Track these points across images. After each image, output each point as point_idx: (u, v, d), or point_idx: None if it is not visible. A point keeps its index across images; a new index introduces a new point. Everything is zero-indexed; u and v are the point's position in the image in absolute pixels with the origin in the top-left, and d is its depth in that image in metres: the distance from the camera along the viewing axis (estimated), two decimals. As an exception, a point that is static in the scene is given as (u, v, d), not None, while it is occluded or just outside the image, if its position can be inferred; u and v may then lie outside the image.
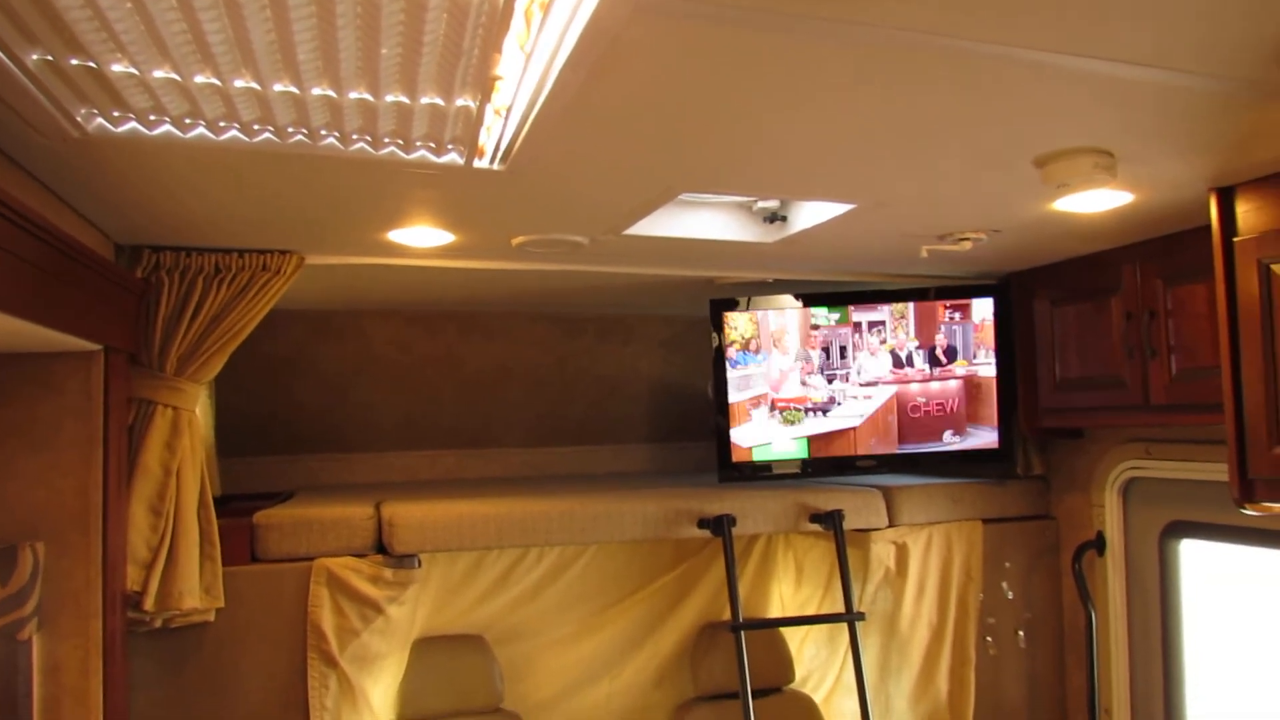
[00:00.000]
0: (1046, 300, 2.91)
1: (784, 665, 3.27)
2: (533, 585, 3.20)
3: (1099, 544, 2.97)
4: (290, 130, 1.62)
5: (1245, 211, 2.04)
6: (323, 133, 1.63)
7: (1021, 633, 3.12)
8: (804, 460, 3.06)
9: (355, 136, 1.66)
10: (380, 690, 2.68)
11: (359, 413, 3.62)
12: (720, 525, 2.78)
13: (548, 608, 3.23)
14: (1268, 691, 2.60)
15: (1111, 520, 2.94)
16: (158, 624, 2.29)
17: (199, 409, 2.74)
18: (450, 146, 1.72)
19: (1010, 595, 3.11)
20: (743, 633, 2.77)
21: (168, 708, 2.36)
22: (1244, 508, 2.09)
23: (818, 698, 3.39)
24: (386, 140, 1.68)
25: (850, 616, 2.83)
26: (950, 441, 3.05)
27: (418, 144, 1.70)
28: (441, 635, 3.11)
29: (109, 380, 2.15)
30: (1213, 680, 2.74)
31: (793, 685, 3.33)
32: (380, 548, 2.57)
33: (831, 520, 2.88)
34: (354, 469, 3.62)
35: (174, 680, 2.36)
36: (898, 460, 3.07)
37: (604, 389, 3.90)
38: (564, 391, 3.85)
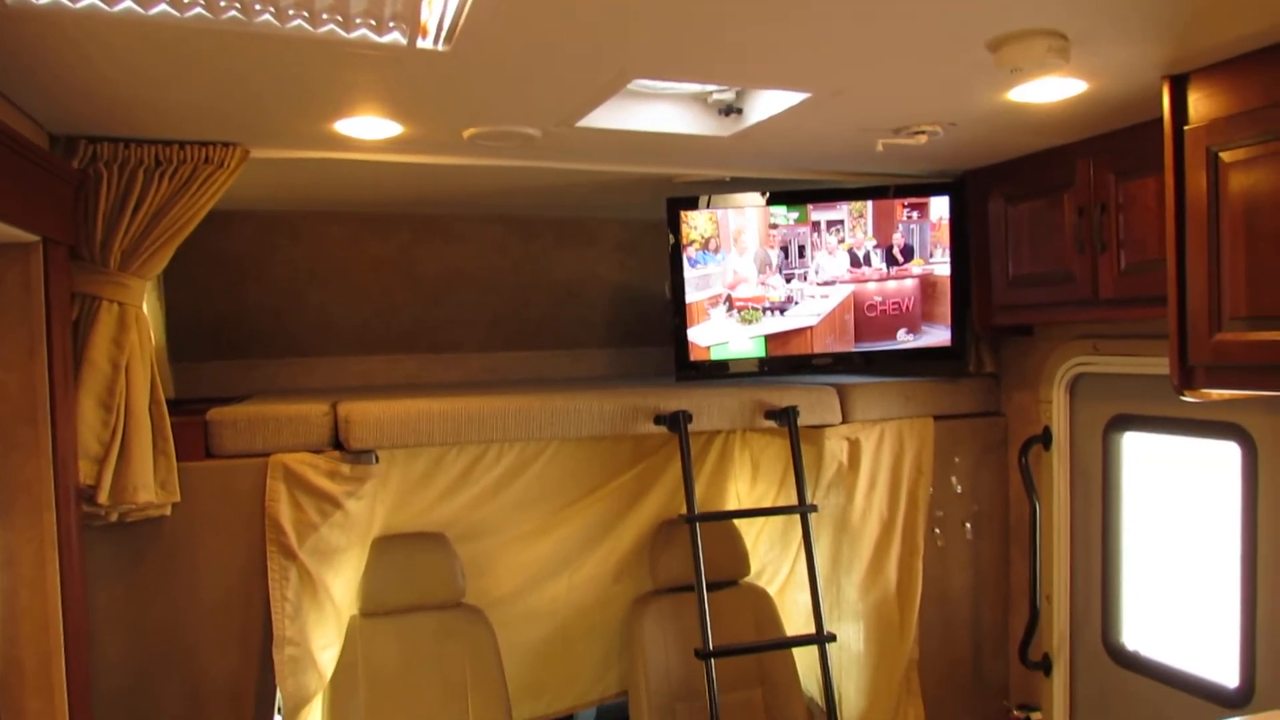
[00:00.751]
0: (1001, 198, 2.92)
1: (739, 559, 3.36)
2: (493, 484, 3.23)
3: (1045, 438, 3.05)
4: (223, 4, 1.56)
5: (1197, 100, 2.05)
6: (257, 8, 1.58)
7: (969, 525, 3.22)
8: (761, 359, 3.09)
9: (291, 13, 1.60)
10: (341, 583, 2.72)
11: (314, 316, 3.58)
12: (676, 421, 2.82)
13: (508, 506, 3.27)
14: (1193, 564, 2.72)
15: (1058, 415, 3.01)
16: (113, 518, 2.29)
17: (148, 310, 2.70)
18: (392, 24, 1.67)
19: (959, 489, 3.20)
20: (697, 525, 2.83)
21: (127, 600, 2.38)
22: (1183, 394, 2.15)
23: (772, 590, 3.51)
24: (325, 17, 1.63)
25: (802, 508, 2.90)
26: (904, 340, 3.09)
27: (357, 21, 1.65)
28: (402, 533, 3.16)
29: (49, 273, 2.10)
30: (1147, 560, 2.86)
31: (748, 579, 3.43)
32: (337, 444, 2.57)
33: (786, 416, 2.92)
34: (311, 374, 3.60)
35: (132, 573, 2.38)
36: (853, 359, 3.11)
37: (562, 293, 3.88)
38: (521, 295, 3.83)
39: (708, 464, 3.52)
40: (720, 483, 3.54)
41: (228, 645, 2.47)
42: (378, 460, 2.66)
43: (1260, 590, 2.45)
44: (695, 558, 2.80)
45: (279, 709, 2.68)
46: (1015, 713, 3.17)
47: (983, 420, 3.25)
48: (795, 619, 3.44)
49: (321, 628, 2.64)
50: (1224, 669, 2.58)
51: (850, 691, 3.23)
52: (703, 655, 2.75)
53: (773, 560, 3.55)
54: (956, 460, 3.20)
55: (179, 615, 2.43)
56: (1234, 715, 2.41)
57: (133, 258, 2.30)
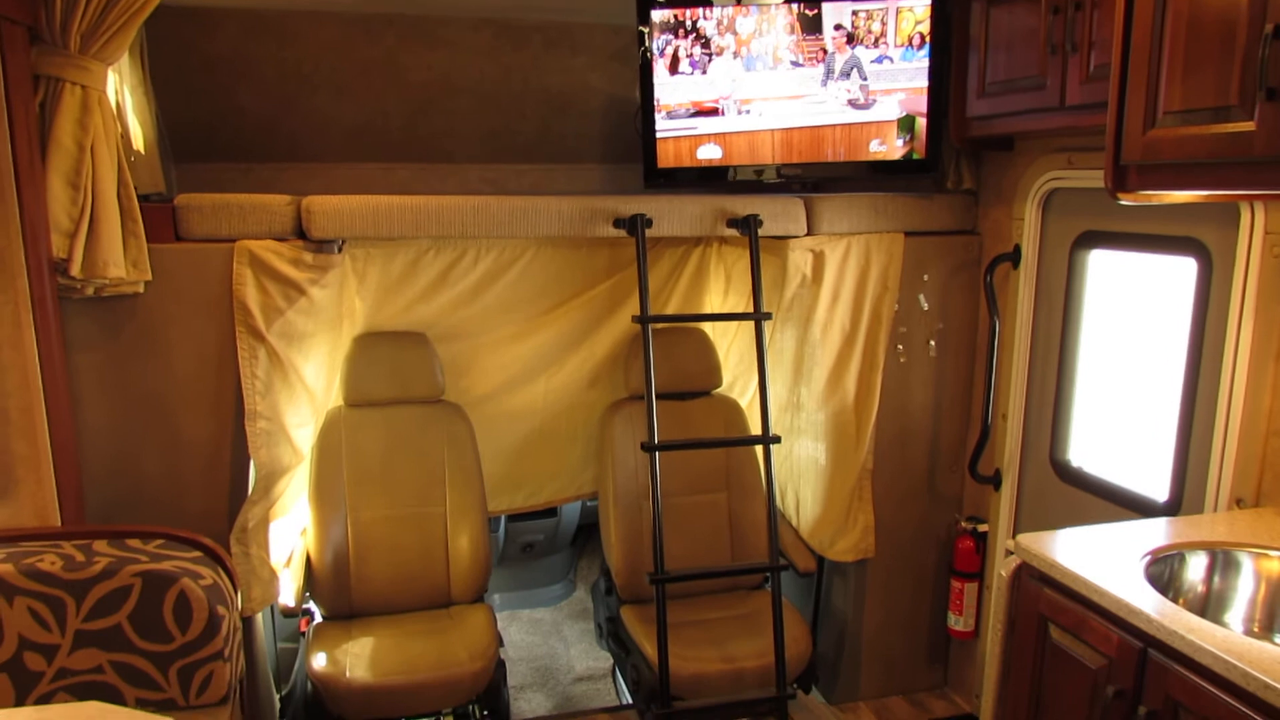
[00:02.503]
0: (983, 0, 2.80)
1: (711, 371, 3.46)
2: (471, 287, 3.35)
3: (1015, 256, 3.03)
4: None
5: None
6: None
7: (933, 343, 3.25)
8: (730, 167, 3.09)
9: None
10: (312, 368, 2.89)
11: (308, 121, 3.63)
12: (634, 225, 2.86)
13: (487, 309, 3.39)
14: (1140, 385, 2.74)
15: (1029, 232, 2.98)
16: (90, 291, 2.46)
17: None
18: None
19: (926, 307, 3.22)
20: (649, 326, 2.91)
21: (108, 369, 2.58)
22: (1118, 198, 2.11)
23: (743, 402, 3.62)
24: None
25: (756, 315, 2.96)
26: (877, 152, 3.04)
27: None
28: (384, 331, 3.32)
29: (5, 51, 2.19)
30: (1098, 380, 2.88)
31: (720, 390, 3.54)
32: (302, 234, 2.68)
33: (747, 225, 2.94)
34: (307, 180, 3.69)
35: (112, 344, 2.57)
36: (824, 169, 3.08)
37: (555, 105, 3.85)
38: (514, 106, 3.81)
39: (684, 277, 3.58)
40: (696, 296, 3.60)
41: (203, 415, 2.68)
42: (341, 250, 2.78)
43: (1197, 407, 2.47)
44: (645, 357, 2.90)
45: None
46: (963, 524, 3.29)
47: (957, 238, 3.23)
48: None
49: (294, 406, 2.83)
50: (1156, 484, 2.64)
51: (807, 497, 3.38)
52: (648, 448, 2.89)
53: (743, 373, 3.65)
54: (926, 278, 3.20)
55: (157, 385, 2.63)
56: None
57: (93, 39, 2.36)
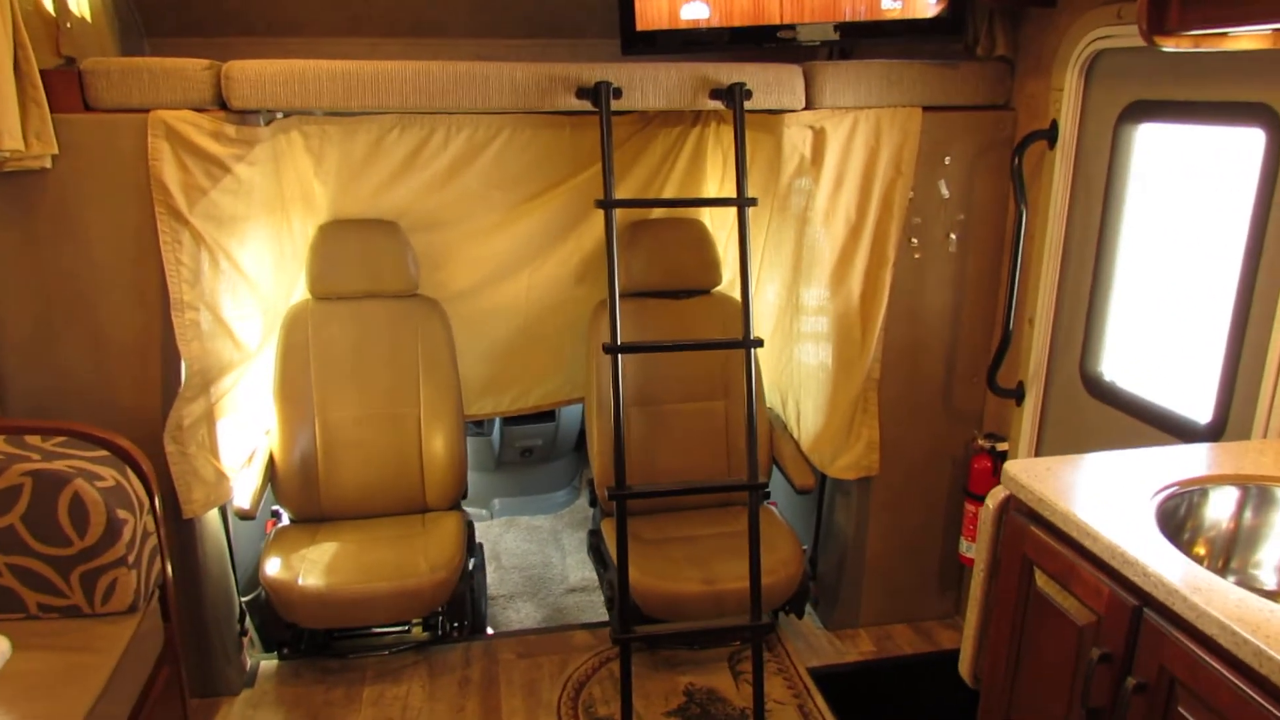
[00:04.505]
0: None
1: (710, 267, 3.13)
2: (443, 171, 3.05)
3: (1051, 134, 2.58)
4: None
5: None
6: None
7: (953, 236, 2.85)
8: (721, 29, 2.68)
9: None
10: (250, 255, 2.65)
11: (286, -10, 3.33)
12: (599, 95, 2.51)
13: (462, 196, 3.10)
14: (1186, 291, 2.31)
15: (1069, 104, 2.52)
16: (-12, 166, 2.24)
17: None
18: None
19: (946, 194, 2.80)
20: (614, 212, 2.58)
21: (21, 249, 2.38)
22: (1154, 42, 1.69)
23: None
24: None
25: (739, 201, 2.60)
26: (891, 9, 2.60)
27: None
28: (351, 219, 3.06)
29: None
30: (1139, 282, 2.46)
31: (720, 288, 3.21)
32: (223, 104, 2.41)
33: (732, 96, 2.56)
34: (288, 56, 3.40)
35: (22, 224, 2.36)
36: (829, 30, 2.65)
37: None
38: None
39: (680, 161, 3.21)
40: (694, 182, 3.24)
41: (127, 305, 2.47)
42: (265, 123, 2.50)
43: (1253, 315, 2.06)
44: (609, 248, 2.58)
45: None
46: (980, 441, 2.93)
47: (986, 114, 2.78)
48: (763, 328, 3.23)
49: (232, 296, 2.61)
50: (1199, 405, 2.24)
51: (808, 408, 3.06)
52: (609, 350, 2.59)
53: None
54: (947, 160, 2.78)
55: (75, 271, 2.42)
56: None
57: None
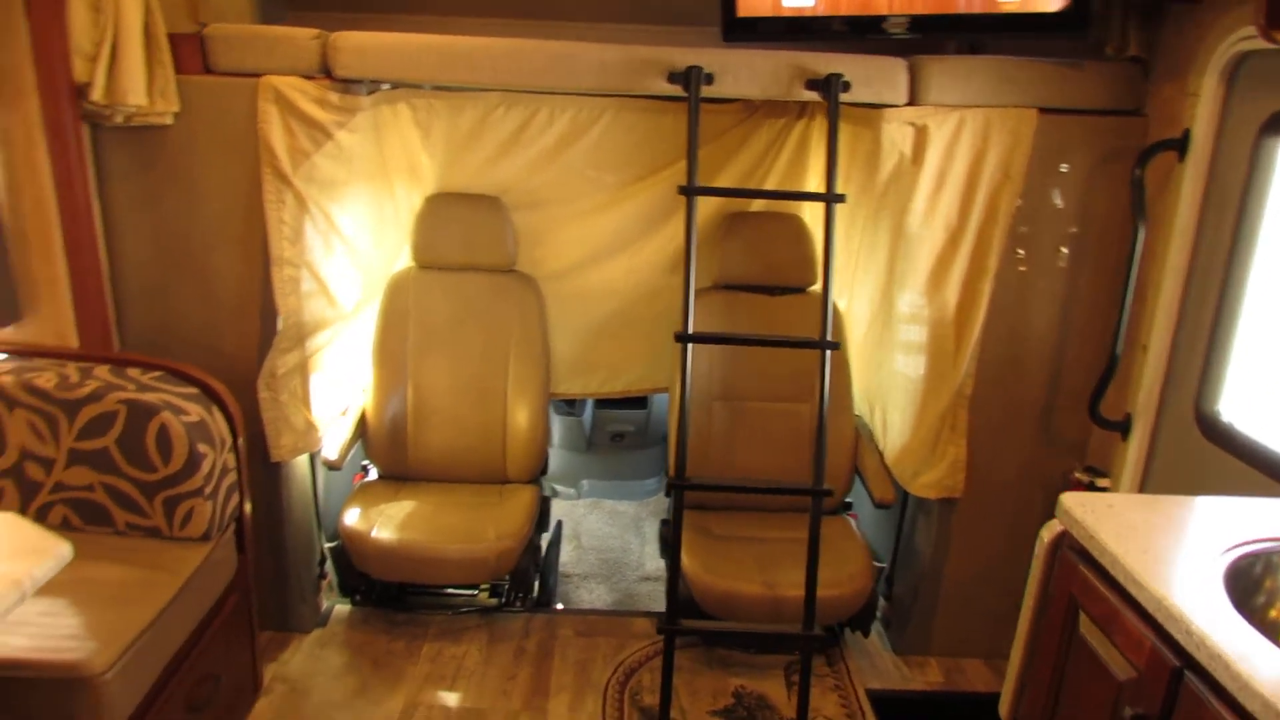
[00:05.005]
0: None
1: (806, 264, 3.05)
2: (547, 150, 3.09)
3: (1181, 144, 2.37)
4: None
5: None
6: None
7: (1065, 250, 2.66)
8: (826, 18, 2.59)
9: None
10: (350, 219, 2.78)
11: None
12: (689, 80, 2.48)
13: (564, 176, 3.14)
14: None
15: (1205, 112, 2.30)
16: (119, 120, 2.43)
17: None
18: None
19: (1060, 205, 2.62)
20: (695, 200, 2.55)
21: (143, 200, 2.58)
22: (1273, 36, 1.52)
23: (843, 304, 3.18)
24: None
25: (827, 197, 2.51)
26: (1007, 2, 2.44)
27: None
28: (456, 192, 3.15)
29: None
30: (1272, 313, 2.22)
31: (816, 288, 3.12)
32: (329, 73, 2.53)
33: (828, 87, 2.47)
34: (417, 31, 3.53)
35: (144, 175, 2.56)
36: (943, 24, 2.52)
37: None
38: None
39: (785, 153, 3.13)
40: (796, 175, 3.15)
41: (233, 257, 2.64)
42: (368, 93, 2.60)
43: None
44: (688, 232, 2.55)
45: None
46: (1078, 474, 2.72)
47: (1111, 120, 2.57)
48: (855, 333, 3.13)
49: (329, 257, 2.74)
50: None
51: (895, 421, 2.93)
52: (681, 338, 2.56)
53: (843, 270, 3.18)
54: (1064, 169, 2.59)
55: (188, 222, 2.60)
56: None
57: None
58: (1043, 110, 2.52)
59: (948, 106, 2.52)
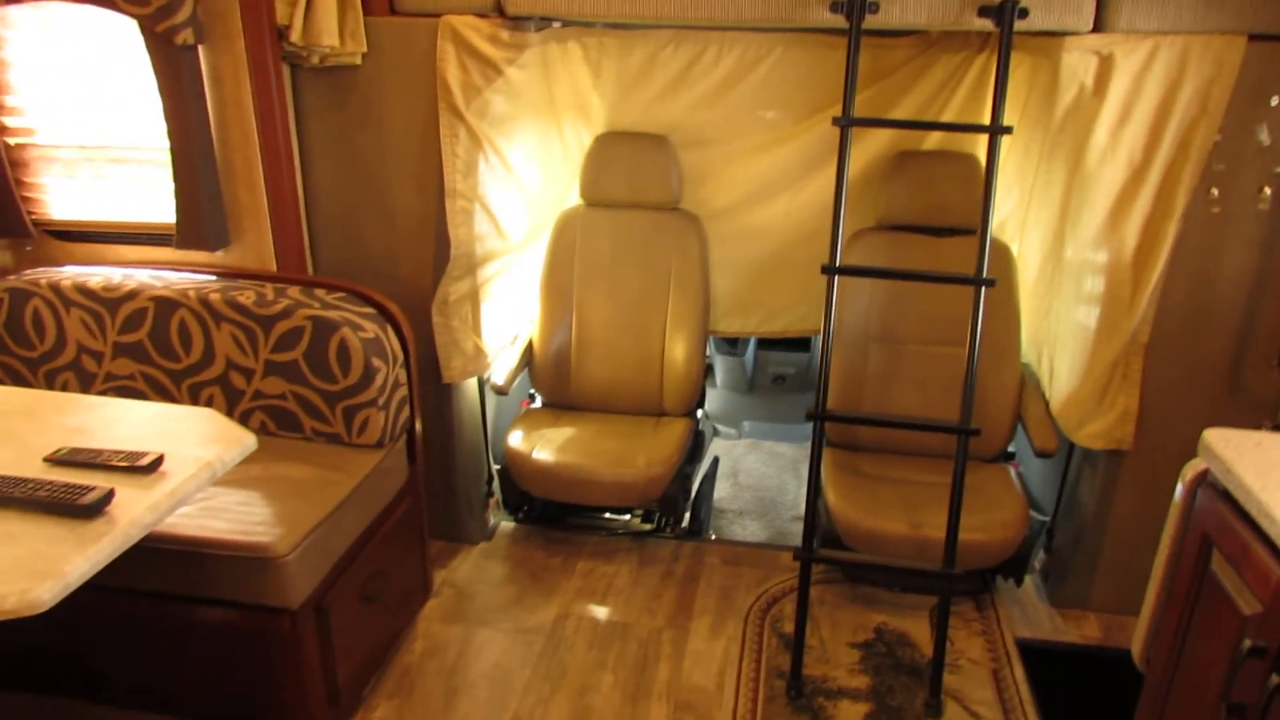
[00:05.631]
0: None
1: (977, 205, 2.92)
2: (714, 87, 3.11)
3: None
4: None
5: None
6: None
7: (1268, 191, 2.42)
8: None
9: None
10: (520, 153, 2.91)
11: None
12: (851, 7, 2.42)
13: (730, 114, 3.15)
14: None
15: None
16: (315, 60, 2.65)
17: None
18: None
19: (1266, 142, 2.39)
20: (850, 131, 2.50)
21: (334, 136, 2.80)
22: None
23: (1015, 248, 3.05)
24: None
25: (991, 128, 2.40)
26: (1210, -88, 2.23)
27: None
28: (625, 130, 3.23)
29: None
30: None
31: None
32: (501, 11, 2.64)
33: (1001, 12, 2.35)
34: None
35: (336, 113, 2.77)
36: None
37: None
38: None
39: (962, 90, 2.99)
40: (974, 113, 3.00)
41: (411, 189, 2.82)
42: (537, 29, 2.70)
43: None
44: (840, 164, 2.51)
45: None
46: (1270, 430, 2.51)
47: (1333, 47, 2.31)
48: (1026, 276, 2.99)
49: (499, 190, 2.89)
50: None
51: (1062, 368, 2.80)
52: (827, 270, 2.55)
53: (1017, 211, 3.04)
54: (1275, 101, 2.36)
55: (374, 156, 2.80)
56: None
57: None
58: (1252, 37, 2.30)
59: (1140, 33, 2.34)
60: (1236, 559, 1.37)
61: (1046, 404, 2.89)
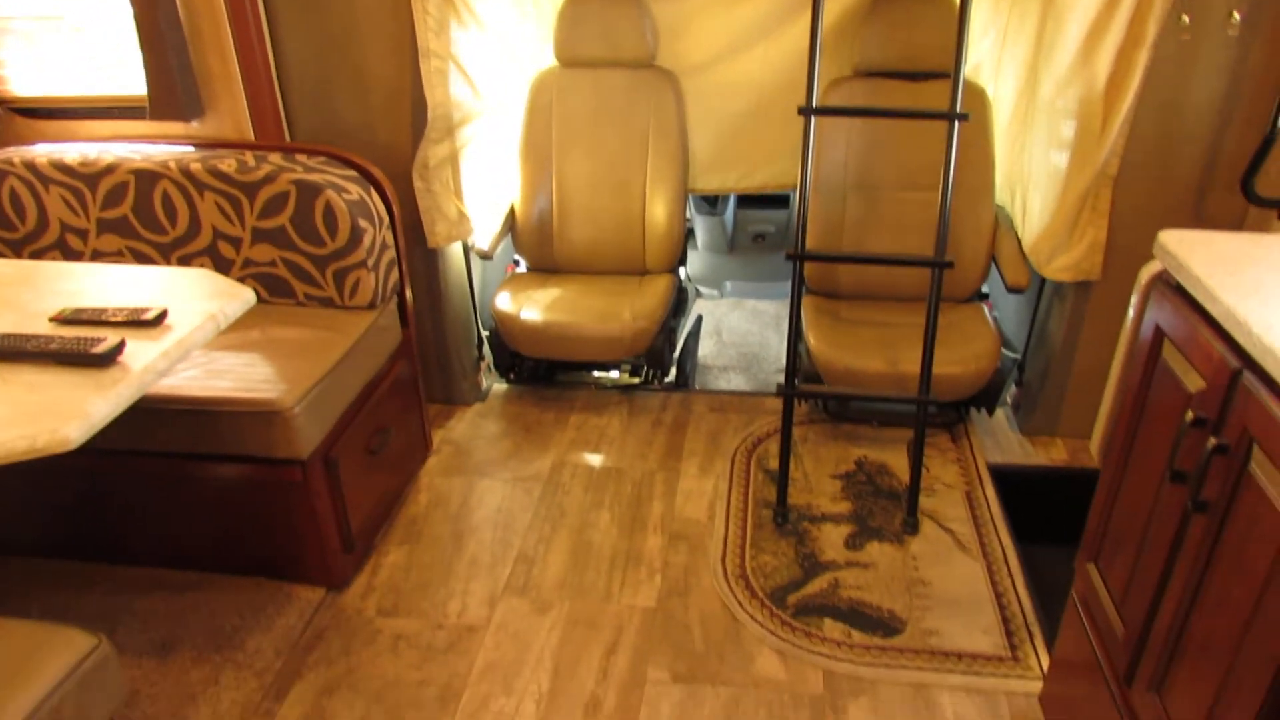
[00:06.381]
0: None
1: (953, 48, 2.94)
2: (687, -64, 3.06)
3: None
4: None
5: None
6: None
7: (1237, 16, 2.44)
8: None
9: None
10: (491, 9, 2.88)
11: None
12: None
13: (703, -37, 3.11)
14: None
15: None
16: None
17: None
18: None
19: (1234, -40, 2.40)
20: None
21: (302, 8, 2.75)
22: None
23: (991, 90, 3.07)
24: None
25: (962, -44, 2.40)
26: None
27: None
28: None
29: None
30: None
31: (967, 72, 3.01)
32: None
33: None
34: None
35: (301, -26, 2.73)
36: None
37: None
38: None
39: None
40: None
41: (385, 52, 2.80)
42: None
43: None
44: (815, 4, 2.51)
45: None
46: (1228, 250, 2.61)
47: None
48: (1000, 115, 3.03)
49: (472, 48, 2.87)
50: None
51: (1035, 204, 2.88)
52: (804, 111, 2.58)
53: (990, 52, 3.05)
54: (1242, -81, 2.36)
55: (344, 20, 2.75)
56: None
57: None
58: None
59: None
60: (1184, 343, 1.48)
61: (1019, 242, 2.97)
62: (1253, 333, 1.26)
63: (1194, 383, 1.44)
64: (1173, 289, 1.56)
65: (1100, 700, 1.73)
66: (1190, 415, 1.39)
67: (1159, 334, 1.58)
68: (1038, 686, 2.15)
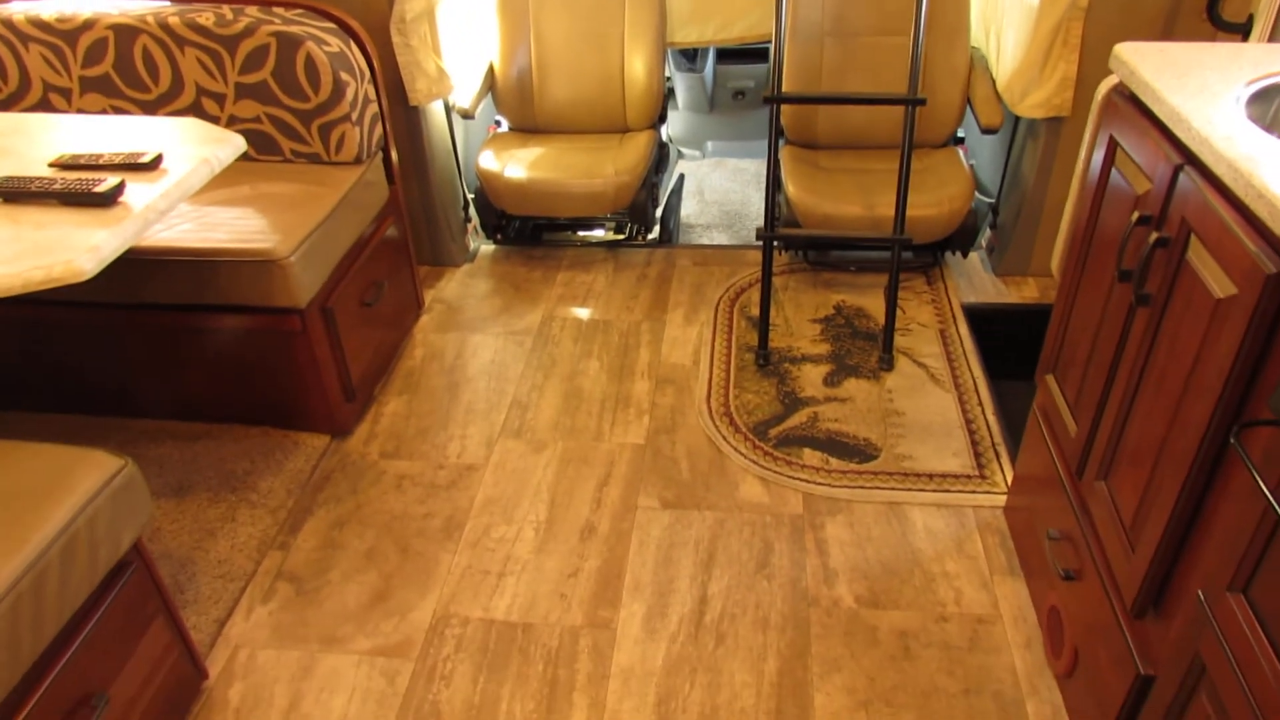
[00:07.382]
0: None
1: None
2: None
3: None
4: None
5: None
6: None
7: None
8: None
9: None
10: None
11: None
12: None
13: None
14: None
15: None
16: None
17: None
18: None
19: None
20: None
21: None
22: None
23: None
24: None
25: None
26: None
27: None
28: None
29: None
30: None
31: None
32: None
33: None
34: None
35: None
36: None
37: None
38: None
39: None
40: None
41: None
42: None
43: None
44: None
45: None
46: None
47: None
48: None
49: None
50: None
51: (1008, 42, 2.90)
52: (780, -49, 2.58)
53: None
54: None
55: None
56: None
57: None
58: None
59: None
60: (1134, 148, 1.55)
61: (994, 83, 3.01)
62: (1193, 127, 1.34)
63: (1141, 185, 1.53)
64: (1125, 98, 1.63)
65: (1056, 500, 1.88)
66: (1135, 215, 1.48)
67: (1112, 144, 1.66)
68: (1002, 500, 2.31)
